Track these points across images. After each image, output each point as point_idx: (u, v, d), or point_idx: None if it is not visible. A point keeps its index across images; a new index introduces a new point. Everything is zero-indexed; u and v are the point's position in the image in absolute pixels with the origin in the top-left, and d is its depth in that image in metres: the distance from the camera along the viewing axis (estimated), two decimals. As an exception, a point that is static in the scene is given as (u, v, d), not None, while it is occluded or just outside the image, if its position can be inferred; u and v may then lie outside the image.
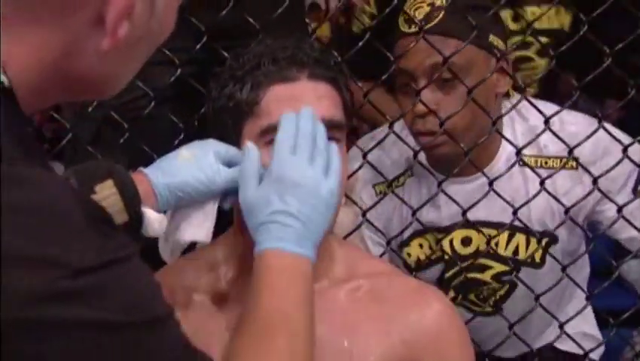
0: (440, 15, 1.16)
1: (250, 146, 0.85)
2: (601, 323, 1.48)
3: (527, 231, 1.28)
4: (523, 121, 1.25)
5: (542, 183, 1.25)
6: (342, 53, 1.16)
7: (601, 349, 1.47)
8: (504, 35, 1.20)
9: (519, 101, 1.25)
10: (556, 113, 1.23)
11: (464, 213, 1.24)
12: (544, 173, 1.25)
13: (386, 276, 0.97)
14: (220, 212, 0.91)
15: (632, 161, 1.26)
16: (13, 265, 0.49)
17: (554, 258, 1.31)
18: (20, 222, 0.50)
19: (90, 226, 0.53)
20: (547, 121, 1.23)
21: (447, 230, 1.29)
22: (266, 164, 0.85)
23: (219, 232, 0.99)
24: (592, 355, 1.44)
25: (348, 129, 0.93)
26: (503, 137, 1.26)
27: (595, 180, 1.26)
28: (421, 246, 1.31)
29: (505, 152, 1.26)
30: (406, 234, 1.32)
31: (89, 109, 1.23)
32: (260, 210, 0.79)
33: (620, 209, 1.27)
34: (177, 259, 0.93)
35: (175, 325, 0.59)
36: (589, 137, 1.23)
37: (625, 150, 1.25)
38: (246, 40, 1.15)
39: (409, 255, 1.34)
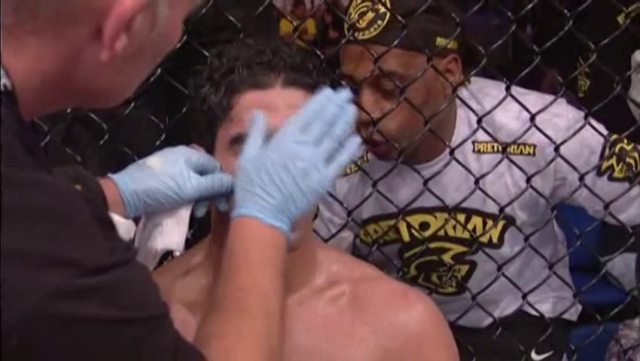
0: (383, 23, 1.15)
1: (257, 113, 0.83)
2: (587, 318, 1.48)
3: (482, 213, 1.30)
4: (478, 105, 1.25)
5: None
6: (327, 51, 1.15)
7: (577, 309, 1.48)
8: (452, 32, 1.19)
9: (494, 107, 1.23)
10: (491, 109, 1.22)
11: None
12: (499, 158, 1.25)
13: (370, 281, 0.96)
14: (201, 219, 0.90)
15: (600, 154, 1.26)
16: (28, 265, 0.51)
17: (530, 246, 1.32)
18: (35, 224, 0.51)
19: (100, 227, 0.55)
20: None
21: (403, 214, 1.30)
22: (233, 173, 0.84)
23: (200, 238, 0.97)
24: (569, 317, 1.45)
25: None
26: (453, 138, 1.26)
27: (581, 177, 1.26)
28: (379, 227, 1.32)
29: (459, 138, 1.26)
30: (365, 215, 1.33)
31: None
32: (249, 174, 0.78)
33: (608, 203, 1.28)
34: (154, 269, 0.91)
35: (171, 322, 0.61)
36: (575, 133, 1.23)
37: (606, 143, 1.23)
38: (216, 35, 1.13)
39: (366, 234, 1.35)
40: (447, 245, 1.33)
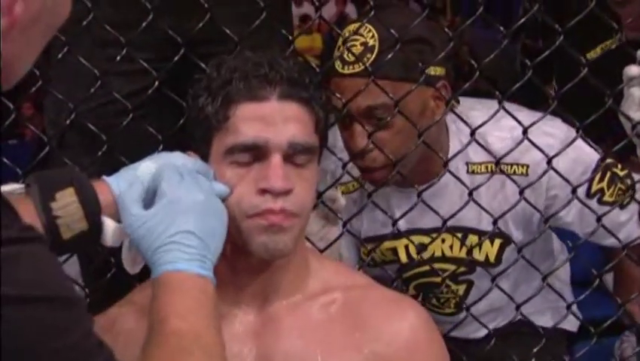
0: (372, 56, 1.18)
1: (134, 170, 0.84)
2: (585, 334, 1.48)
3: (479, 232, 1.31)
4: (470, 126, 1.25)
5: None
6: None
7: (577, 321, 1.47)
8: (442, 60, 1.21)
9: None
10: (485, 121, 1.23)
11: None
12: (493, 179, 1.26)
13: (362, 288, 0.97)
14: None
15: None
16: None
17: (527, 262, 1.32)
18: None
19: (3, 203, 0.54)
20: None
21: (400, 237, 1.32)
22: (229, 183, 0.87)
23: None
24: (569, 327, 1.45)
25: (321, 149, 0.93)
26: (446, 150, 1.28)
27: (574, 190, 1.27)
28: (376, 249, 1.34)
29: (452, 160, 1.27)
30: (363, 235, 1.35)
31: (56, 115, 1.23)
32: (157, 233, 0.78)
33: (599, 218, 1.29)
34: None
35: (86, 314, 0.59)
36: (564, 148, 1.23)
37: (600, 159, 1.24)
38: (217, 47, 1.16)
39: (365, 254, 1.36)
40: (444, 266, 1.34)
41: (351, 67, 1.19)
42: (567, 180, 1.25)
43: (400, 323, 0.94)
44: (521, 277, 1.37)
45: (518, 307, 1.33)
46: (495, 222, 1.27)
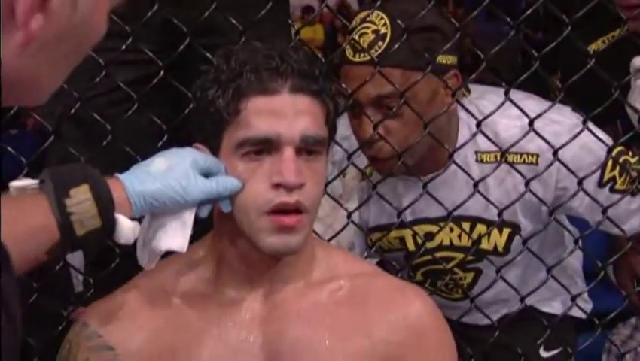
0: (384, 45, 1.17)
1: None
2: (589, 325, 1.49)
3: (486, 220, 1.31)
4: (479, 113, 1.26)
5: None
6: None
7: (589, 307, 1.48)
8: (453, 48, 1.21)
9: (485, 117, 1.24)
10: (490, 113, 1.24)
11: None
12: (503, 168, 1.26)
13: (368, 276, 0.98)
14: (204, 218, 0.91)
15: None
16: None
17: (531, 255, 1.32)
18: None
19: None
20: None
21: (408, 225, 1.32)
22: (240, 177, 0.87)
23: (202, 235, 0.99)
24: (579, 314, 1.45)
25: (330, 140, 0.93)
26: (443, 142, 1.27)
27: (580, 181, 1.27)
28: (384, 236, 1.34)
29: (461, 148, 1.27)
30: (371, 223, 1.36)
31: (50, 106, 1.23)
32: None
33: (604, 210, 1.29)
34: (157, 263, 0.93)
35: None
36: (573, 138, 1.24)
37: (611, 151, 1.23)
38: (219, 38, 1.16)
39: (371, 240, 1.37)
40: (452, 254, 1.35)
41: (362, 55, 1.18)
42: (574, 173, 1.25)
43: (405, 309, 0.94)
44: (531, 264, 1.37)
45: (522, 299, 1.33)
46: (500, 214, 1.27)
